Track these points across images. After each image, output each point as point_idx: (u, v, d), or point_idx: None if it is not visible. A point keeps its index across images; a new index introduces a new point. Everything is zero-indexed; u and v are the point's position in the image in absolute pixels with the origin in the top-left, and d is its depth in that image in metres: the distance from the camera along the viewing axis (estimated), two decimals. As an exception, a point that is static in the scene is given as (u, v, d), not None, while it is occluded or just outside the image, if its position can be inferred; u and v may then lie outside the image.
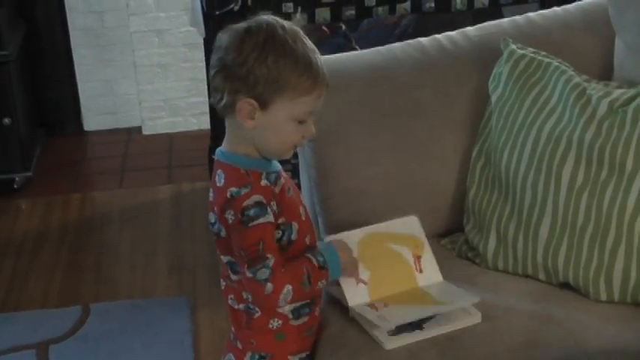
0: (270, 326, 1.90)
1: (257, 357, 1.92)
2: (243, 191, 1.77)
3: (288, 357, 1.93)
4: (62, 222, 3.93)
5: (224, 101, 1.78)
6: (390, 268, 2.01)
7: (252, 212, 1.76)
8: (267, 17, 1.80)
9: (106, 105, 4.78)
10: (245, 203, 1.77)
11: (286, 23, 1.80)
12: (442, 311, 1.94)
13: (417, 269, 2.03)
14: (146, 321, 3.18)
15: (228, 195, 1.78)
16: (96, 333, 3.13)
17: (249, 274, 1.79)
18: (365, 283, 1.97)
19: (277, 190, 1.83)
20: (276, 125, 1.79)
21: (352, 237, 2.01)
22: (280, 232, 1.83)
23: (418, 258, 2.04)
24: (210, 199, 1.87)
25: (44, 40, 4.57)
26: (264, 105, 1.77)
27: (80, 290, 3.42)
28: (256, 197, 1.78)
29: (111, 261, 3.63)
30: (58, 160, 4.52)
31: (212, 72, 1.80)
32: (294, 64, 1.75)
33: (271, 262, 1.78)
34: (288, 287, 1.80)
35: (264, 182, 1.81)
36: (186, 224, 3.84)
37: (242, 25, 1.79)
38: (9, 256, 3.67)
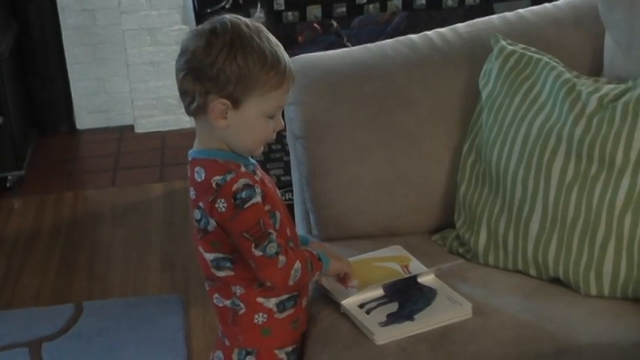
0: (256, 321, 1.90)
1: (244, 353, 1.93)
2: (229, 177, 1.78)
3: (275, 351, 1.94)
4: (55, 220, 3.93)
5: (195, 103, 1.79)
6: (378, 274, 2.04)
7: (243, 194, 1.77)
8: (229, 16, 1.81)
9: (99, 103, 4.78)
10: (234, 187, 1.77)
11: (249, 20, 1.81)
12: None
13: (405, 273, 2.05)
14: (139, 318, 3.18)
15: (213, 185, 1.78)
16: (89, 331, 3.13)
17: (258, 253, 1.79)
18: (355, 287, 1.99)
19: (257, 178, 1.85)
20: (249, 122, 1.81)
21: None
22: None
23: (406, 267, 2.06)
24: (192, 197, 1.87)
25: (36, 39, 4.57)
26: (236, 103, 1.78)
27: (73, 288, 3.42)
28: (244, 180, 1.78)
29: (103, 259, 3.63)
30: (51, 158, 4.52)
31: (180, 75, 1.80)
32: (263, 60, 1.76)
33: (274, 235, 1.80)
34: (298, 264, 1.84)
35: (243, 170, 1.83)
36: (179, 222, 3.85)
37: (206, 26, 1.80)
38: (1, 255, 3.66)
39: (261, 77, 1.77)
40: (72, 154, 4.61)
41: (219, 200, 1.78)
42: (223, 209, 1.78)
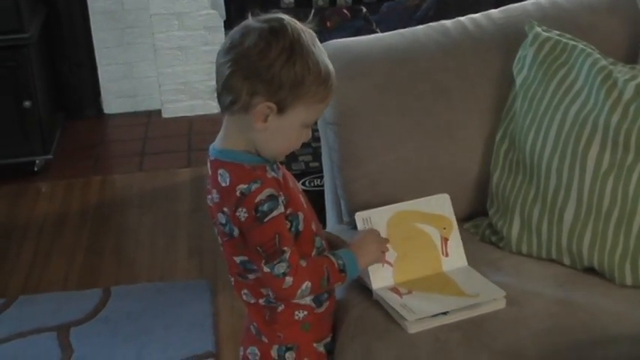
0: (296, 317, 1.88)
1: (284, 349, 1.89)
2: (254, 187, 1.74)
3: (314, 345, 1.92)
4: (82, 205, 3.94)
5: (239, 103, 1.74)
6: (416, 250, 2.01)
7: (265, 207, 1.74)
8: (287, 18, 1.77)
9: (126, 88, 4.78)
10: (258, 199, 1.73)
11: (304, 26, 1.77)
12: (464, 305, 1.92)
13: (443, 253, 2.02)
14: (166, 304, 3.18)
15: (237, 193, 1.74)
16: (116, 315, 3.13)
17: (266, 269, 1.77)
18: (390, 264, 1.97)
19: (282, 180, 1.81)
20: (287, 129, 1.77)
21: (383, 214, 2.01)
22: (289, 222, 1.81)
23: (445, 240, 2.03)
24: (215, 200, 1.83)
25: (64, 24, 4.58)
26: (281, 109, 1.74)
27: (101, 273, 3.43)
28: (268, 191, 1.74)
29: (131, 244, 3.64)
30: (78, 143, 4.53)
31: (227, 71, 1.73)
32: (318, 72, 1.74)
33: (288, 254, 1.76)
34: (307, 284, 1.80)
35: (271, 174, 1.78)
36: (206, 207, 3.79)
37: (263, 25, 1.74)
38: (30, 239, 3.68)
39: (312, 88, 1.74)
40: (99, 138, 4.61)
41: (240, 209, 1.75)
42: (243, 219, 1.75)
